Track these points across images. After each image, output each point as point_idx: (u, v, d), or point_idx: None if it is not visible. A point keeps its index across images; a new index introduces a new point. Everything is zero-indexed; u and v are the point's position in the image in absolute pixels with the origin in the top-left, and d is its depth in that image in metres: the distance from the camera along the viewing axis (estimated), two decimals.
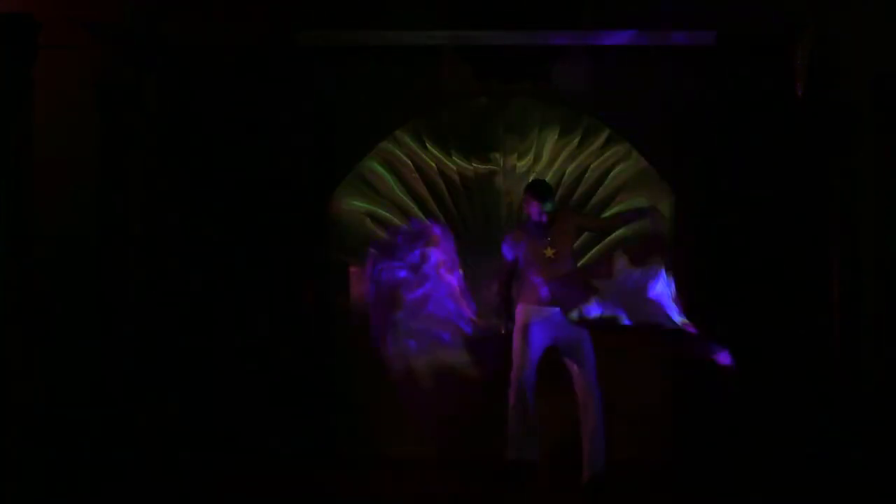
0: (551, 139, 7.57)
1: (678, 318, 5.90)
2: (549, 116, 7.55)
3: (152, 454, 6.66)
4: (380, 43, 7.28)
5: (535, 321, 6.24)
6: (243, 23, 7.10)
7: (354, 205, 7.56)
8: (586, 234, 6.81)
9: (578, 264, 6.53)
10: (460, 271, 6.55)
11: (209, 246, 7.13)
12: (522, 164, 7.58)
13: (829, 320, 6.86)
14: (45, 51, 6.08)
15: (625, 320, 5.87)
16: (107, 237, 6.84)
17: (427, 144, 7.60)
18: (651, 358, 7.25)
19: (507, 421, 6.23)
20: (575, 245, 6.42)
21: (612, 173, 7.52)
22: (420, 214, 7.58)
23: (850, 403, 6.69)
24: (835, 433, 6.67)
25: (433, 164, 7.61)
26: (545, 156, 7.58)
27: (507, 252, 6.38)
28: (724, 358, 5.90)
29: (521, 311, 6.31)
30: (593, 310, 5.90)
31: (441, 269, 6.48)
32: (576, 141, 7.55)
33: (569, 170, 7.55)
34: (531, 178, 7.56)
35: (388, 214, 7.58)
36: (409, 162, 7.60)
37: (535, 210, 6.30)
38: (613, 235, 7.36)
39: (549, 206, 6.29)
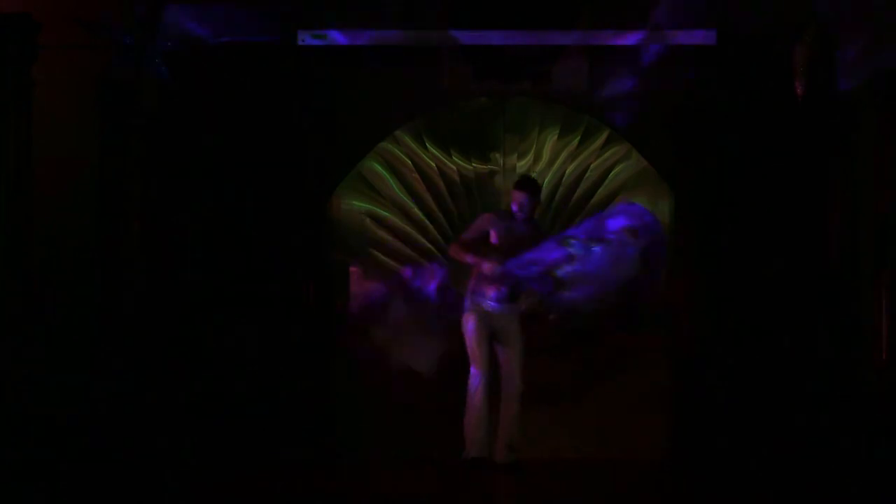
0: (551, 139, 7.57)
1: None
2: (549, 116, 7.56)
3: (150, 456, 6.66)
4: (380, 43, 7.28)
5: (484, 317, 6.36)
6: (243, 23, 7.11)
7: (354, 205, 7.56)
8: None
9: None
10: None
11: (209, 245, 7.13)
12: (522, 164, 7.58)
13: (829, 319, 6.86)
14: (45, 51, 6.08)
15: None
16: (107, 237, 6.84)
17: (427, 144, 7.61)
18: (651, 358, 7.27)
19: (468, 421, 6.38)
20: None
21: (612, 173, 7.53)
22: (420, 214, 7.58)
23: (849, 403, 6.69)
24: (834, 432, 6.67)
25: (433, 164, 7.61)
26: (545, 156, 7.59)
27: (484, 230, 6.42)
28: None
29: (472, 308, 6.40)
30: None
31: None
32: (576, 141, 7.56)
33: (569, 170, 7.55)
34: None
35: (388, 214, 7.59)
36: (409, 162, 7.61)
37: (518, 203, 6.40)
38: None
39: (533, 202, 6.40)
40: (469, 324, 6.40)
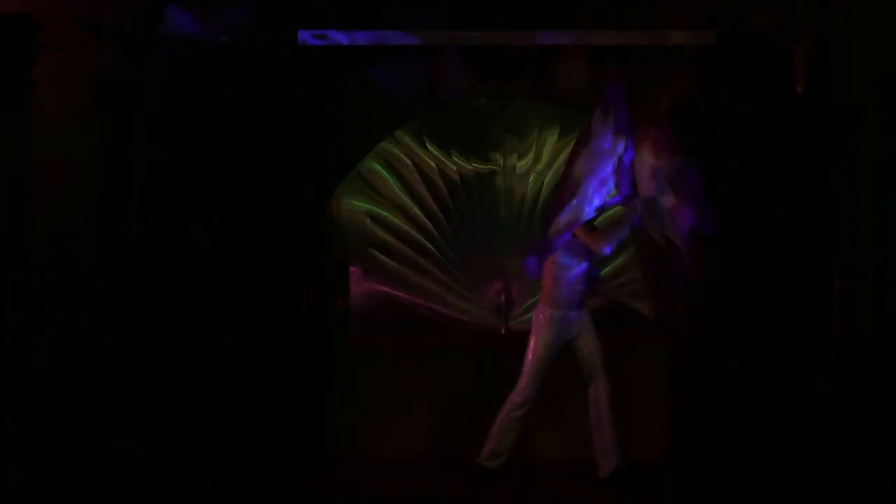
0: (551, 139, 7.57)
1: None
2: (549, 116, 7.55)
3: (150, 454, 6.65)
4: (380, 43, 7.28)
5: (562, 329, 6.25)
6: (243, 23, 7.10)
7: (354, 205, 7.56)
8: None
9: None
10: None
11: (209, 245, 7.12)
12: (522, 164, 7.58)
13: (829, 320, 6.85)
14: (45, 51, 6.08)
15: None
16: (107, 238, 6.84)
17: (427, 144, 7.61)
18: (651, 358, 7.27)
19: (495, 429, 6.25)
20: None
21: None
22: (420, 214, 7.58)
23: (849, 403, 6.69)
24: (834, 433, 6.66)
25: (433, 164, 7.61)
26: (545, 156, 7.59)
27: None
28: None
29: (549, 316, 6.24)
30: None
31: None
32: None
33: None
34: (531, 179, 7.59)
35: (388, 214, 7.59)
36: (409, 162, 7.61)
37: None
38: None
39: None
40: (543, 334, 6.23)
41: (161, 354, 6.91)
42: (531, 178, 7.57)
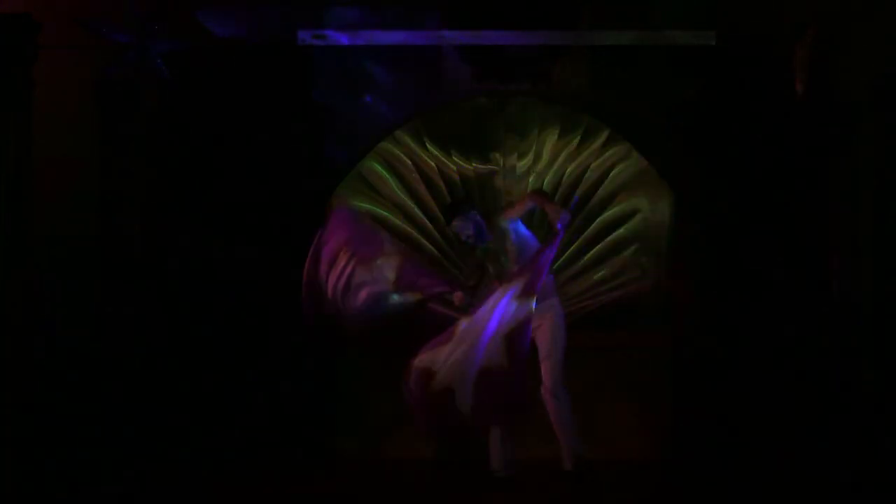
0: (551, 139, 7.57)
1: None
2: (549, 116, 7.55)
3: (151, 455, 6.66)
4: (380, 43, 7.28)
5: None
6: (243, 23, 7.10)
7: (354, 205, 7.56)
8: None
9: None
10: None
11: (209, 245, 7.12)
12: (522, 164, 7.58)
13: (829, 320, 6.86)
14: (45, 51, 6.08)
15: None
16: (107, 238, 6.84)
17: (427, 144, 7.60)
18: (651, 357, 7.27)
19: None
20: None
21: (612, 173, 7.52)
22: (420, 214, 7.58)
23: (849, 404, 6.69)
24: (834, 433, 6.66)
25: (433, 164, 7.61)
26: (545, 156, 7.58)
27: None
28: None
29: None
30: None
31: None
32: (576, 141, 7.55)
33: (569, 170, 7.54)
34: (531, 179, 7.58)
35: (388, 214, 7.58)
36: (409, 162, 7.60)
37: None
38: (612, 237, 7.41)
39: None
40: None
41: (161, 355, 6.92)
42: (531, 178, 7.57)
